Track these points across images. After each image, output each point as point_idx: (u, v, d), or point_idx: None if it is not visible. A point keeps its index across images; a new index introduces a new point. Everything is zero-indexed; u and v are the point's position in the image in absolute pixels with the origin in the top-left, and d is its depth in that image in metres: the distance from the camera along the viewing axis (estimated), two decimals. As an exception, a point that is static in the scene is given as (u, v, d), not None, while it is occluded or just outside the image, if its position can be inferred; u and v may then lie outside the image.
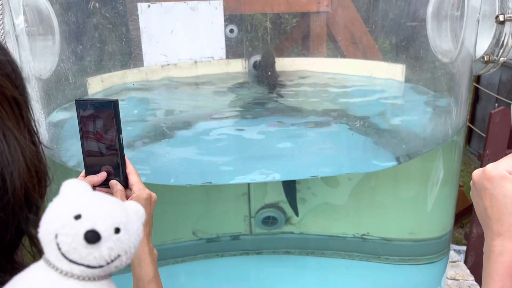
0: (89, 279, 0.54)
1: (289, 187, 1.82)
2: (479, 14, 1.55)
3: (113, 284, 0.57)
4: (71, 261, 0.53)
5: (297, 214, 1.82)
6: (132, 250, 0.56)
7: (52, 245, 0.54)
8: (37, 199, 0.65)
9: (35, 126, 0.68)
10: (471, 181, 0.79)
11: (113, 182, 0.98)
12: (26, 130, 0.64)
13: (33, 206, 0.64)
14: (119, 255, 0.54)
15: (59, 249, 0.53)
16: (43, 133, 1.55)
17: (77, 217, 0.53)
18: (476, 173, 0.77)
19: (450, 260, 2.53)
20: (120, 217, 0.55)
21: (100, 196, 0.57)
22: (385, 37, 1.82)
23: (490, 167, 0.74)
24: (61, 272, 0.53)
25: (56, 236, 0.53)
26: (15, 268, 0.59)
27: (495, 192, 0.72)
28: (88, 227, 0.53)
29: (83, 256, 0.53)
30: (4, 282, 0.54)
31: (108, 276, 0.56)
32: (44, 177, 0.67)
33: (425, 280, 1.94)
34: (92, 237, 0.52)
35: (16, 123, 0.62)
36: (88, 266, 0.53)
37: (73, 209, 0.54)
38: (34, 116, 0.68)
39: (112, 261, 0.54)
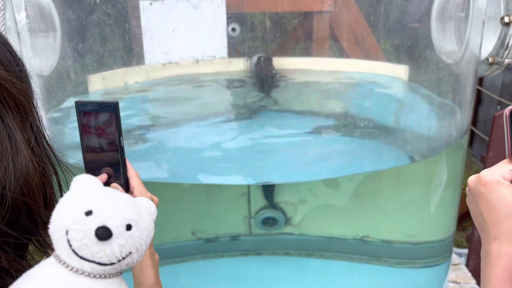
0: (100, 276, 0.53)
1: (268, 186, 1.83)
2: (484, 15, 1.55)
3: (124, 282, 0.56)
4: (82, 258, 0.52)
5: (273, 207, 1.82)
6: (143, 247, 0.55)
7: (62, 241, 0.53)
8: (39, 202, 0.63)
9: (42, 126, 0.67)
10: (467, 187, 0.80)
11: (114, 185, 0.96)
12: (31, 130, 0.63)
13: (37, 208, 0.62)
14: (130, 253, 0.53)
15: (70, 245, 0.52)
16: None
17: (88, 213, 0.52)
18: (472, 179, 0.79)
19: (451, 263, 2.52)
20: (131, 213, 0.54)
21: (112, 192, 0.56)
22: (388, 38, 1.81)
23: (485, 173, 0.76)
24: (71, 269, 0.52)
25: (66, 232, 0.52)
26: (25, 267, 0.58)
27: (490, 197, 0.74)
28: (99, 223, 0.52)
29: (94, 253, 0.52)
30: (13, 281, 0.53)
31: (119, 273, 0.55)
32: (48, 179, 0.65)
33: (427, 283, 1.94)
34: (103, 233, 0.52)
35: (21, 124, 0.61)
36: (99, 263, 0.52)
37: (84, 205, 0.53)
38: (40, 116, 0.67)
39: (123, 258, 0.53)
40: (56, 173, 0.72)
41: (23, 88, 0.63)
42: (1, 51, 0.61)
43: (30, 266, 0.62)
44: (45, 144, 0.68)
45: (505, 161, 0.76)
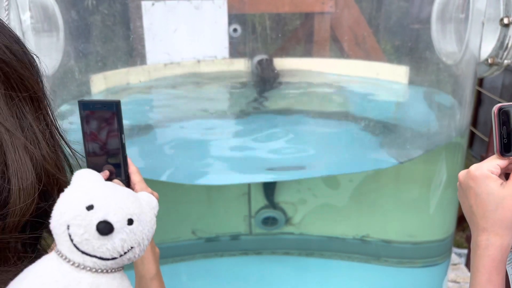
0: (102, 271, 0.53)
1: (269, 185, 1.84)
2: (484, 16, 1.56)
3: (126, 276, 0.56)
4: (83, 252, 0.52)
5: (274, 207, 1.83)
6: (145, 242, 0.55)
7: (64, 236, 0.52)
8: (53, 194, 0.64)
9: (55, 119, 0.68)
10: (458, 182, 0.82)
11: (116, 181, 0.98)
12: (44, 123, 0.64)
13: (49, 199, 0.63)
14: (132, 247, 0.53)
15: (71, 240, 0.52)
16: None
17: (89, 207, 0.52)
18: (462, 173, 0.81)
19: (451, 262, 2.52)
20: (133, 208, 0.54)
21: (113, 186, 0.56)
22: (389, 39, 1.82)
23: (474, 168, 0.78)
24: (73, 263, 0.52)
25: (68, 227, 0.52)
26: (40, 255, 0.59)
27: (479, 191, 0.76)
28: (101, 218, 0.52)
29: (95, 248, 0.52)
30: None
31: (121, 268, 0.55)
32: (62, 171, 0.66)
33: (427, 283, 1.94)
34: (105, 228, 0.51)
35: (35, 116, 0.63)
36: (101, 258, 0.52)
37: (85, 199, 0.53)
38: (52, 109, 0.68)
39: (125, 253, 0.53)
40: (69, 165, 0.73)
41: (37, 83, 0.65)
42: (14, 47, 0.63)
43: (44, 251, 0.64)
44: (58, 135, 0.70)
45: (493, 156, 0.78)
